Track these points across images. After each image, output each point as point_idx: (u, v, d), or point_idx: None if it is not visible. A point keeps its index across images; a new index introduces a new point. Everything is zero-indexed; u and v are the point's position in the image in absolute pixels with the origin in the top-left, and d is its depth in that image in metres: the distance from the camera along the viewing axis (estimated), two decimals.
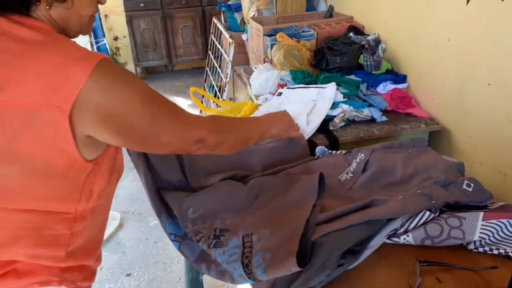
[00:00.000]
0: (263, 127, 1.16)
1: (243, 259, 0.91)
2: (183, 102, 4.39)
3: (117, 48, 5.14)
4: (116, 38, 5.05)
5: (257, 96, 2.00)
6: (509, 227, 0.98)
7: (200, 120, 0.94)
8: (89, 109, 0.70)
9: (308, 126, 1.53)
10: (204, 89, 3.89)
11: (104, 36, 4.72)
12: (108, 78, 0.72)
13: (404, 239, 1.00)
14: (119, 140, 0.79)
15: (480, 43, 1.37)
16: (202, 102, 2.40)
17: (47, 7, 0.74)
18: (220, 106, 1.92)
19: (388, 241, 1.00)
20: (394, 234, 1.01)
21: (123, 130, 0.77)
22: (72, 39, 0.79)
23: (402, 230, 1.01)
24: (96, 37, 4.56)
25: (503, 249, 0.96)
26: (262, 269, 0.87)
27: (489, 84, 1.35)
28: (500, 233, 0.98)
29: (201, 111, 2.03)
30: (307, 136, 1.48)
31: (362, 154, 1.27)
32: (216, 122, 0.98)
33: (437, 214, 1.03)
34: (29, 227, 0.80)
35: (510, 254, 0.94)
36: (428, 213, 1.01)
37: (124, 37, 4.97)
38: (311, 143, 1.45)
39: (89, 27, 0.85)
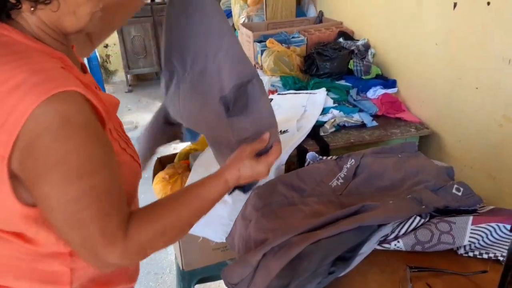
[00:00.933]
0: (208, 196, 0.81)
1: None
2: None
3: (108, 56, 5.12)
4: (106, 46, 5.04)
5: None
6: (498, 231, 0.98)
7: (116, 239, 0.66)
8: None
9: (298, 132, 1.53)
10: None
11: None
12: (54, 120, 0.60)
13: (395, 245, 0.99)
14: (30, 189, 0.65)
15: (467, 47, 1.38)
16: None
17: (32, 10, 0.65)
18: None
19: (378, 247, 1.00)
20: (385, 240, 1.01)
21: (33, 184, 0.63)
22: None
23: (393, 236, 1.01)
24: None
25: (492, 253, 0.96)
26: None
27: (477, 88, 1.36)
28: (490, 237, 0.98)
29: None
30: (297, 142, 1.48)
31: (353, 160, 1.27)
32: (134, 241, 0.68)
33: (427, 219, 1.03)
34: (19, 258, 0.73)
35: (499, 258, 0.94)
36: (418, 218, 1.01)
37: (114, 44, 4.95)
38: (302, 149, 1.45)
39: (94, 23, 0.73)
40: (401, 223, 1.02)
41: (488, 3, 1.25)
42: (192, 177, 1.39)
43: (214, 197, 0.82)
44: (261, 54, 2.06)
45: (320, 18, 2.53)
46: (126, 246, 0.66)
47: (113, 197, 0.67)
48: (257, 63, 2.16)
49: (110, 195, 0.66)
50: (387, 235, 1.01)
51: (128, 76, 4.96)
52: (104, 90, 4.23)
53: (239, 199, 1.18)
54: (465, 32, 1.37)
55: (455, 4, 1.39)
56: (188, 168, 1.53)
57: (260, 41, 2.15)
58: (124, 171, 0.75)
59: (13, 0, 0.63)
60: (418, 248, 0.98)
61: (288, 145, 1.44)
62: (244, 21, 2.71)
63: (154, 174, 1.58)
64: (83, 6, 0.69)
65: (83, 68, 0.81)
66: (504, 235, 0.98)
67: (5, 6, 0.65)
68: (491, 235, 0.98)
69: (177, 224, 0.75)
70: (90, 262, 0.68)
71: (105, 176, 0.66)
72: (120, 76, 5.18)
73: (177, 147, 3.79)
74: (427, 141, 1.64)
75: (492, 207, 1.09)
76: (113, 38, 4.85)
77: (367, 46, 1.96)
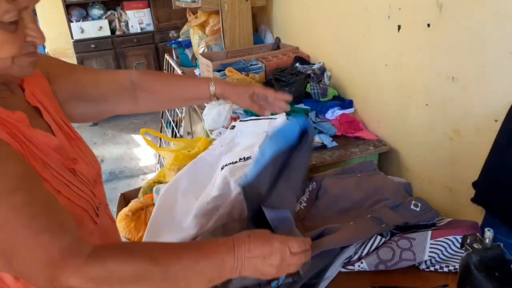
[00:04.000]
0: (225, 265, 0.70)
1: None
2: (141, 140, 4.33)
3: None
4: None
5: (211, 131, 2.00)
6: (456, 243, 1.01)
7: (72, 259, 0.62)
8: None
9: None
10: (162, 125, 3.86)
11: None
12: None
13: (359, 266, 1.00)
14: None
15: (414, 67, 1.44)
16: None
17: None
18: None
19: (343, 269, 1.01)
20: (349, 262, 1.02)
21: None
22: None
23: (356, 257, 1.02)
24: None
25: (452, 266, 0.98)
26: None
27: (426, 105, 1.42)
28: (449, 249, 1.01)
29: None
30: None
31: (314, 183, 1.29)
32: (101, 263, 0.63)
33: (388, 237, 1.05)
34: None
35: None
36: (379, 237, 1.03)
37: None
38: None
39: (21, 69, 0.71)
40: (363, 243, 1.03)
41: (428, 25, 1.32)
42: (156, 213, 1.36)
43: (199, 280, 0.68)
44: None
45: (277, 44, 2.59)
46: (86, 266, 0.62)
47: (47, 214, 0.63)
48: None
49: (43, 212, 0.63)
50: (350, 257, 1.02)
51: None
52: None
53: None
54: (411, 52, 1.44)
55: (399, 27, 1.47)
56: (153, 203, 1.50)
57: (219, 70, 2.17)
58: None
59: None
60: (381, 267, 1.00)
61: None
62: (203, 51, 2.74)
63: (118, 211, 1.54)
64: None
65: (35, 110, 0.81)
66: (461, 248, 1.01)
67: None
68: (450, 248, 1.01)
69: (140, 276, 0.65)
70: None
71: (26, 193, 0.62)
72: None
73: (145, 177, 3.75)
74: (386, 157, 1.69)
75: (450, 219, 1.13)
76: None
77: (322, 69, 2.02)
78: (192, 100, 1.09)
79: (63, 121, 0.87)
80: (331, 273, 0.98)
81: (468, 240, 0.69)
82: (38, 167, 0.72)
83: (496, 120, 1.14)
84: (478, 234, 0.70)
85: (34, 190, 0.64)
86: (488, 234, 0.67)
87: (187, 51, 3.15)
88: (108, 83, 1.01)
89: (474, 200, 1.13)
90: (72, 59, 4.62)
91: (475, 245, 0.68)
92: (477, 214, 1.22)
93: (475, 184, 1.16)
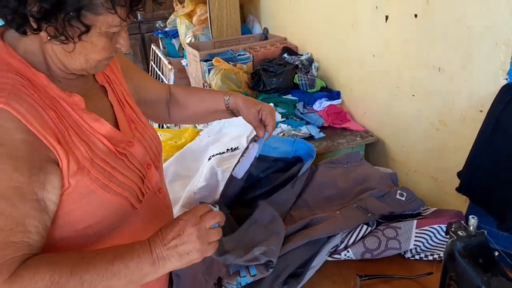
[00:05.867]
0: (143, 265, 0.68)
1: None
2: None
3: None
4: None
5: None
6: (441, 232, 1.02)
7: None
8: None
9: None
10: None
11: None
12: None
13: (345, 255, 1.01)
14: None
15: (401, 57, 1.45)
16: None
17: (46, 40, 0.68)
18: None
19: (329, 258, 1.01)
20: (335, 251, 1.02)
21: None
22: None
23: (343, 246, 1.02)
24: None
25: (437, 254, 1.00)
26: None
27: (413, 95, 1.43)
28: (434, 238, 1.02)
29: None
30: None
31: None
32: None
33: (374, 226, 1.06)
34: None
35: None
36: (365, 227, 1.04)
37: None
38: None
39: (98, 69, 0.78)
40: (349, 232, 1.03)
41: (416, 16, 1.32)
42: None
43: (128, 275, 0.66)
44: (209, 73, 2.06)
45: (265, 35, 2.58)
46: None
47: None
48: (205, 81, 2.16)
49: None
50: (337, 246, 1.02)
51: None
52: None
53: None
54: (398, 43, 1.44)
55: (387, 17, 1.47)
56: None
57: (206, 60, 2.15)
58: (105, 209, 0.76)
59: (35, 26, 0.65)
60: (367, 255, 1.00)
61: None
62: (190, 41, 2.71)
63: None
64: (95, 54, 0.72)
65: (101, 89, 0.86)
66: (445, 236, 1.02)
67: (25, 25, 0.66)
68: (435, 236, 1.02)
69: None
70: None
71: None
72: None
73: None
74: (373, 148, 1.69)
75: (435, 208, 1.14)
76: None
77: (310, 60, 2.01)
78: (213, 114, 1.12)
79: (127, 103, 0.90)
80: (318, 262, 0.98)
81: (453, 228, 0.69)
82: (78, 153, 0.72)
83: (481, 111, 1.16)
84: (462, 222, 0.71)
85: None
86: (472, 221, 0.68)
87: (174, 41, 3.11)
88: (154, 89, 1.07)
89: (458, 189, 1.14)
90: None
91: (460, 232, 0.68)
92: (461, 203, 1.24)
93: (460, 174, 1.17)
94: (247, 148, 1.08)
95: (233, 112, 1.08)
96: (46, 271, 0.62)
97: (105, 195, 0.76)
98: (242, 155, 1.08)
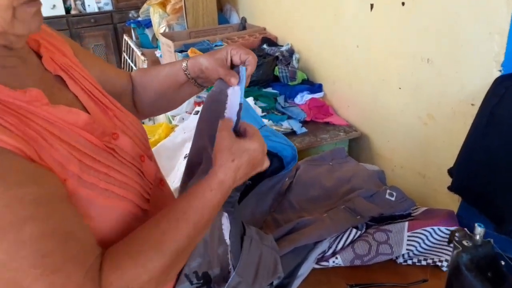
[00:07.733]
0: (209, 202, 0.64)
1: None
2: None
3: None
4: None
5: (173, 116, 1.88)
6: (434, 235, 0.96)
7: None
8: None
9: None
10: None
11: None
12: None
13: (333, 262, 0.93)
14: None
15: (387, 48, 1.38)
16: None
17: None
18: None
19: (317, 266, 0.94)
20: (323, 257, 0.95)
21: None
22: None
23: (330, 252, 0.95)
24: None
25: (430, 259, 0.93)
26: None
27: (400, 88, 1.36)
28: (427, 241, 0.96)
29: None
30: None
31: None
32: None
33: (364, 229, 0.99)
34: None
35: (438, 263, 0.92)
36: (354, 230, 0.97)
37: None
38: None
39: (25, 22, 0.57)
40: (337, 237, 0.96)
41: (403, 4, 1.25)
42: None
43: (209, 211, 0.64)
44: None
45: (243, 25, 2.47)
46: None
47: (63, 246, 0.52)
48: None
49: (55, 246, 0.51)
50: (324, 252, 0.95)
51: None
52: None
53: None
54: (384, 33, 1.37)
55: (372, 6, 1.39)
56: None
57: (181, 51, 2.03)
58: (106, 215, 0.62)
59: None
60: (357, 262, 0.93)
61: None
62: (164, 31, 2.58)
63: None
64: None
65: (57, 79, 0.68)
66: (439, 239, 0.96)
67: None
68: (428, 239, 0.96)
69: (163, 261, 0.58)
70: None
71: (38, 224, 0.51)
72: None
73: None
74: (357, 143, 1.63)
75: (425, 208, 1.08)
76: None
77: (291, 52, 1.93)
78: (177, 90, 0.89)
79: (95, 89, 0.73)
80: (304, 270, 0.90)
81: (457, 237, 0.62)
82: (62, 160, 0.57)
83: (472, 104, 1.10)
84: (466, 229, 0.64)
85: (49, 217, 0.52)
86: (479, 230, 0.61)
87: (147, 31, 2.97)
88: (119, 80, 0.89)
89: (451, 188, 1.08)
90: None
91: (465, 242, 0.61)
92: (451, 201, 1.18)
93: (451, 171, 1.11)
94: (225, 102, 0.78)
95: (198, 83, 0.86)
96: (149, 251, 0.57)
97: (107, 203, 0.61)
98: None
